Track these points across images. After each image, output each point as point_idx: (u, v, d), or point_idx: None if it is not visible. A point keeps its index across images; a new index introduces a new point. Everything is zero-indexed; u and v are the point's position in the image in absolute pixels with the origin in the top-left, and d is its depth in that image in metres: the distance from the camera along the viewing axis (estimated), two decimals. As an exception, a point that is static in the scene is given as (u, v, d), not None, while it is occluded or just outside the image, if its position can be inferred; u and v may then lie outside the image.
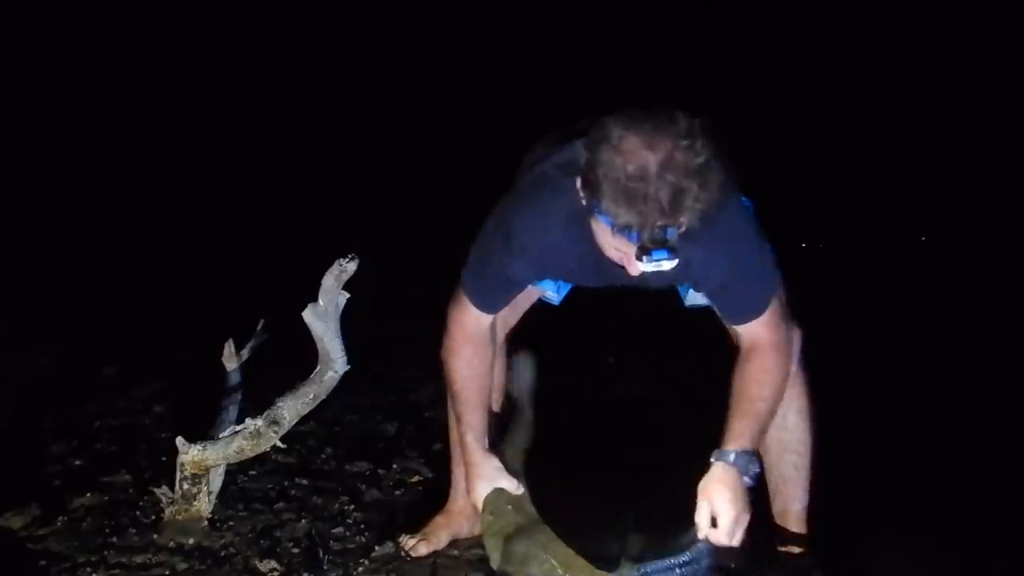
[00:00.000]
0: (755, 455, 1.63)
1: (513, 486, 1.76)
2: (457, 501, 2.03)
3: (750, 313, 1.66)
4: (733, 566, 1.91)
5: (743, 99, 5.64)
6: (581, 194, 1.44)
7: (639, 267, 1.40)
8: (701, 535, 1.59)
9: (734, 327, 1.70)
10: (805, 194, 5.11)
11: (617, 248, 1.44)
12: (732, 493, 1.58)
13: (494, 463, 1.79)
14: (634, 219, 1.34)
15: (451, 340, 1.80)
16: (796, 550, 1.88)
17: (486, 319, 1.79)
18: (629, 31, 6.42)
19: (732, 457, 1.60)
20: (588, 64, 6.08)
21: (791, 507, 1.88)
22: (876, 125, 5.69)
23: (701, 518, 1.59)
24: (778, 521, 1.90)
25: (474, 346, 1.79)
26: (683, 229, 1.37)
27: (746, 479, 1.60)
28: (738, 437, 1.62)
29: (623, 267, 1.49)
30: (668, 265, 1.38)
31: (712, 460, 1.62)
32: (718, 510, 1.57)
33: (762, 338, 1.67)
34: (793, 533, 1.89)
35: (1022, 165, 5.08)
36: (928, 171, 5.37)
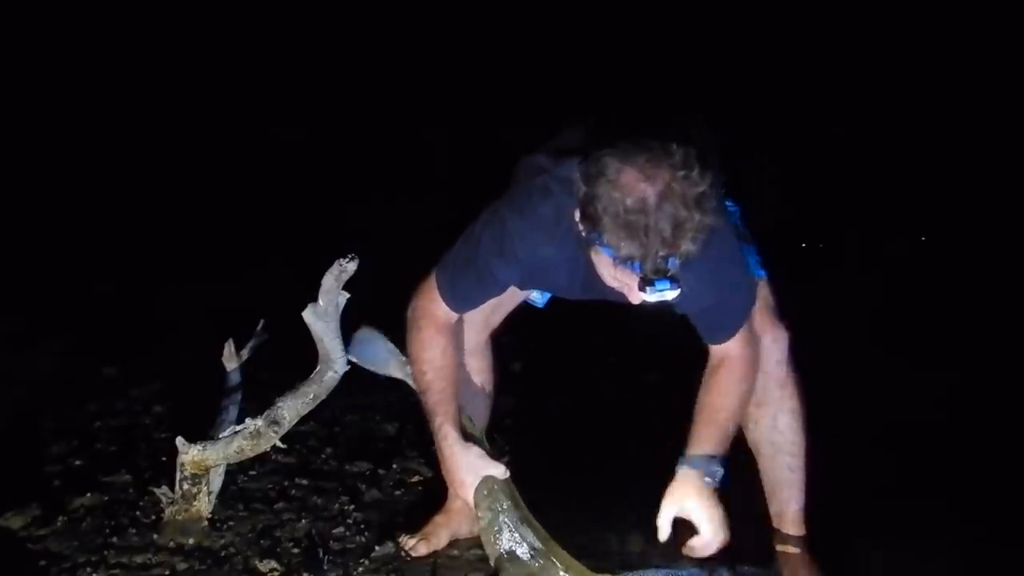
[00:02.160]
0: (718, 459, 1.66)
1: (500, 471, 1.73)
2: (456, 500, 2.03)
3: (728, 332, 1.71)
4: (731, 567, 1.92)
5: (744, 99, 5.64)
6: (580, 227, 1.46)
7: (642, 297, 1.42)
8: (662, 537, 1.63)
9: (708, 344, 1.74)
10: (805, 194, 5.11)
11: (619, 279, 1.46)
12: (698, 494, 1.62)
13: (475, 451, 1.75)
14: (636, 251, 1.36)
15: (422, 332, 1.79)
16: (794, 551, 1.88)
17: (454, 315, 1.80)
18: (630, 30, 6.42)
19: (693, 461, 1.65)
20: (588, 65, 6.08)
21: (787, 508, 1.88)
22: (875, 125, 5.68)
23: (663, 520, 1.63)
24: (775, 523, 1.90)
25: (447, 338, 1.79)
26: (684, 258, 1.39)
27: (707, 480, 1.64)
28: (698, 442, 1.67)
29: (621, 292, 1.51)
30: (671, 294, 1.40)
31: (676, 468, 1.66)
32: (693, 516, 1.62)
33: (732, 352, 1.72)
34: (790, 534, 1.89)
35: (1022, 165, 5.09)
36: (927, 171, 5.38)
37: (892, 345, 3.39)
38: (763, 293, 1.85)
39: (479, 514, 1.71)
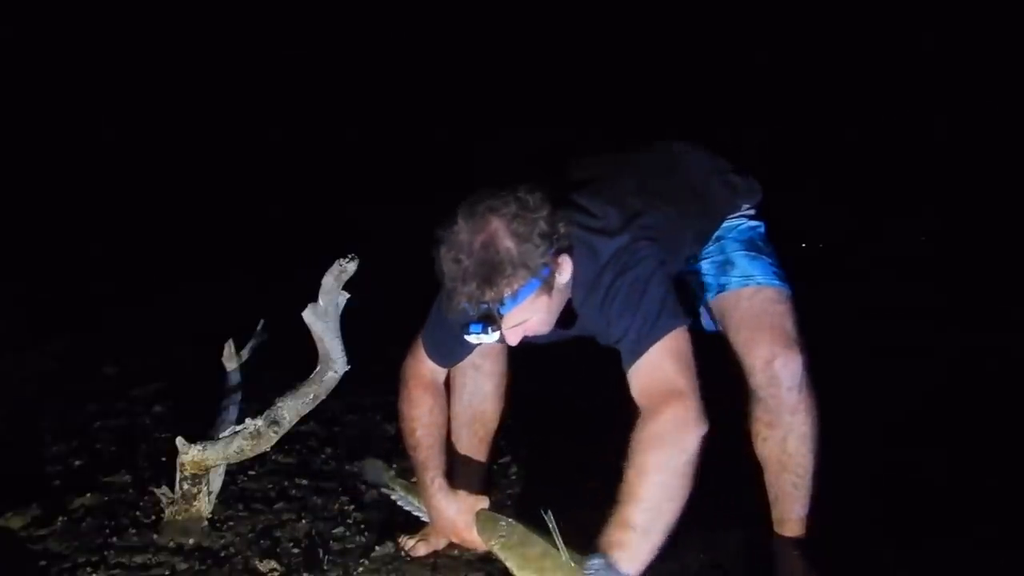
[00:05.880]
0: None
1: (485, 502, 1.84)
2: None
3: (633, 353, 1.60)
4: (732, 568, 1.92)
5: (747, 100, 5.65)
6: None
7: (468, 339, 1.53)
8: None
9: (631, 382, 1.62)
10: (805, 194, 5.12)
11: None
12: None
13: (462, 494, 1.86)
14: (456, 296, 1.48)
15: (411, 392, 1.90)
16: (793, 553, 1.88)
17: (441, 372, 1.90)
18: (633, 33, 6.42)
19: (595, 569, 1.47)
20: (593, 68, 6.08)
21: (788, 516, 1.89)
22: (876, 125, 5.69)
23: None
24: (776, 527, 1.91)
25: (433, 397, 1.90)
26: (504, 307, 1.48)
27: None
28: (608, 544, 1.50)
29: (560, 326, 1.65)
30: (488, 339, 1.51)
31: (589, 560, 1.48)
32: None
33: (655, 404, 1.55)
34: (791, 537, 1.89)
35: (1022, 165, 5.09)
36: (927, 171, 5.38)
37: (892, 345, 3.39)
38: (779, 310, 1.82)
39: (492, 542, 1.75)
